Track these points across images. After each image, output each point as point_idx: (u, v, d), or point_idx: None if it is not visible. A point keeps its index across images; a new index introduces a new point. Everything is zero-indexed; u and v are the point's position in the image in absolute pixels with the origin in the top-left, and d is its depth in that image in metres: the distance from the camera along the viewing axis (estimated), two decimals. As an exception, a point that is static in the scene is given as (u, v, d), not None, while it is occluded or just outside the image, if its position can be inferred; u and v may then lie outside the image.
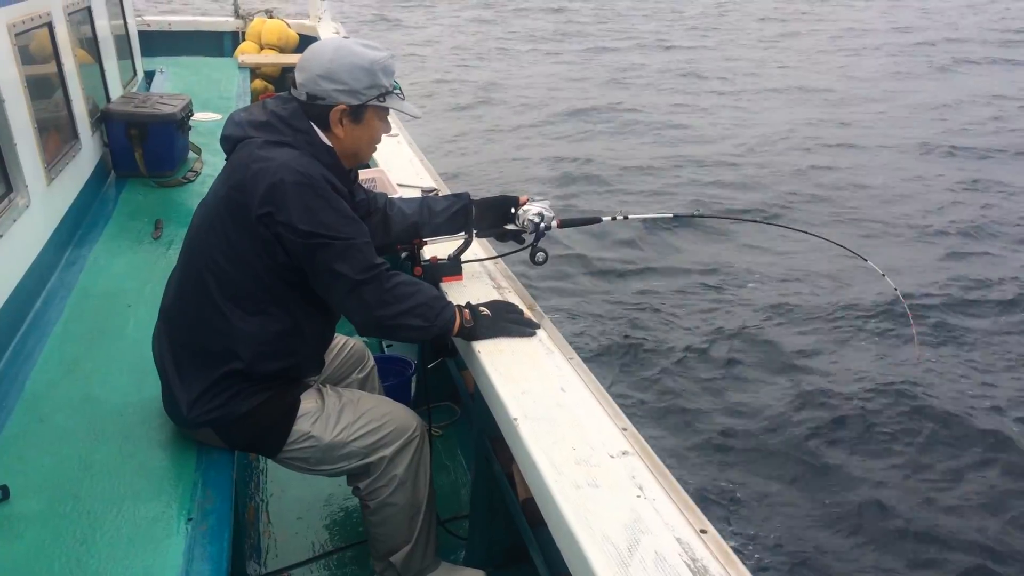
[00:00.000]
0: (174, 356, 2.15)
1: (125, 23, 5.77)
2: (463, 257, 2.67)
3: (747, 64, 16.40)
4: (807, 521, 4.26)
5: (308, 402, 2.21)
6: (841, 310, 6.24)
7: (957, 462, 4.63)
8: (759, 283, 6.72)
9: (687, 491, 1.66)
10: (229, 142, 2.13)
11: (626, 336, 6.20)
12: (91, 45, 4.57)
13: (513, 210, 2.61)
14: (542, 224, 2.53)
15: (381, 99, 2.13)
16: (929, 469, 4.60)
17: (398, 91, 2.16)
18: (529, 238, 2.58)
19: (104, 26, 4.90)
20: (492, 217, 2.63)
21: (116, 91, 4.98)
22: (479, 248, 2.81)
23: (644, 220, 2.76)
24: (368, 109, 2.13)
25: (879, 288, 6.12)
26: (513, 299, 2.53)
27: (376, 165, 3.82)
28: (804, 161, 9.81)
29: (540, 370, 2.11)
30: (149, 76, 6.53)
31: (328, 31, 7.68)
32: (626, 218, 2.77)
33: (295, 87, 2.12)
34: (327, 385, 2.35)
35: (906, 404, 5.09)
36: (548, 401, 1.97)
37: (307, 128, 2.09)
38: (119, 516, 1.92)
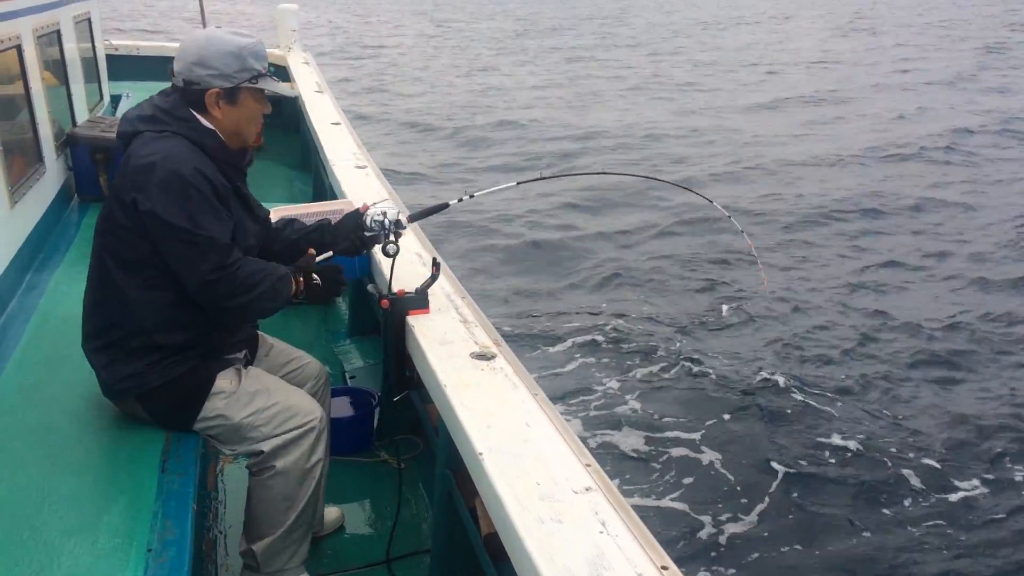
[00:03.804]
0: (86, 334, 2.34)
1: (93, 47, 5.75)
2: (430, 291, 2.70)
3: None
4: (767, 557, 4.32)
5: (223, 381, 2.33)
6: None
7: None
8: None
9: (649, 527, 1.69)
10: (123, 139, 2.28)
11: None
12: (59, 68, 4.55)
13: (361, 218, 2.71)
14: (386, 220, 2.66)
15: (253, 80, 2.30)
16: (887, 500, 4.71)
17: (271, 73, 2.34)
18: (382, 236, 2.68)
19: (72, 49, 4.88)
20: (348, 228, 2.71)
21: (82, 115, 4.95)
22: (446, 282, 2.84)
23: (490, 194, 2.93)
24: (242, 91, 2.30)
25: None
26: (479, 333, 2.56)
27: (344, 196, 3.83)
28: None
29: (505, 405, 2.14)
30: (115, 100, 6.48)
31: (298, 61, 7.69)
32: (472, 196, 2.87)
33: (173, 76, 2.28)
34: (248, 368, 2.44)
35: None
36: (513, 435, 1.99)
37: (188, 116, 2.27)
38: (77, 546, 1.90)
